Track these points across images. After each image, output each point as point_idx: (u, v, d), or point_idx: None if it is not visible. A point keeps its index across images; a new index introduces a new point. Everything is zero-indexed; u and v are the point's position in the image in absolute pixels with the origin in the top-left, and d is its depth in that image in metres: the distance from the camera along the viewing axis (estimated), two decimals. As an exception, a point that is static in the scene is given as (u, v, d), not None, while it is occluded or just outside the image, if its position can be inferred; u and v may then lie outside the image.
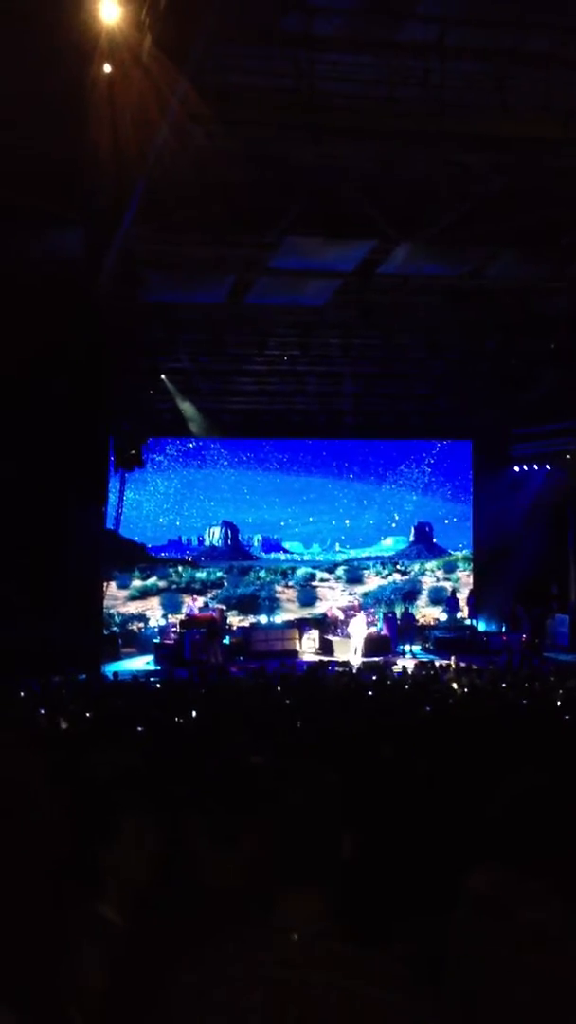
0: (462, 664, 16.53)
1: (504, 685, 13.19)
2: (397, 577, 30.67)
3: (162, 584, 28.56)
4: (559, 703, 10.65)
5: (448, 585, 29.73)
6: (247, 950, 1.93)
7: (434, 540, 32.69)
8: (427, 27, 9.64)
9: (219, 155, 9.87)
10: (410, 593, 29.59)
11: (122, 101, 8.80)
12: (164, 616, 25.96)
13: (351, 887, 2.31)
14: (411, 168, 11.49)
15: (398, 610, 26.43)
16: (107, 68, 8.50)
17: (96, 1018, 2.17)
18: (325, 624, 24.37)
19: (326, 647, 22.46)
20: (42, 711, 10.59)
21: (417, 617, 26.44)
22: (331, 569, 30.76)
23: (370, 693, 12.26)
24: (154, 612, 27.03)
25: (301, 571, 30.11)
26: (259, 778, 2.84)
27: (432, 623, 26.01)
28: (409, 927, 3.01)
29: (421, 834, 3.94)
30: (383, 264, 13.89)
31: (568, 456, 21.93)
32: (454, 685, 13.33)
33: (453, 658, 18.30)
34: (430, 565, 31.38)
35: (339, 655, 21.27)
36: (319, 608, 27.84)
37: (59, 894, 2.49)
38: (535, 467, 23.19)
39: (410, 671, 15.86)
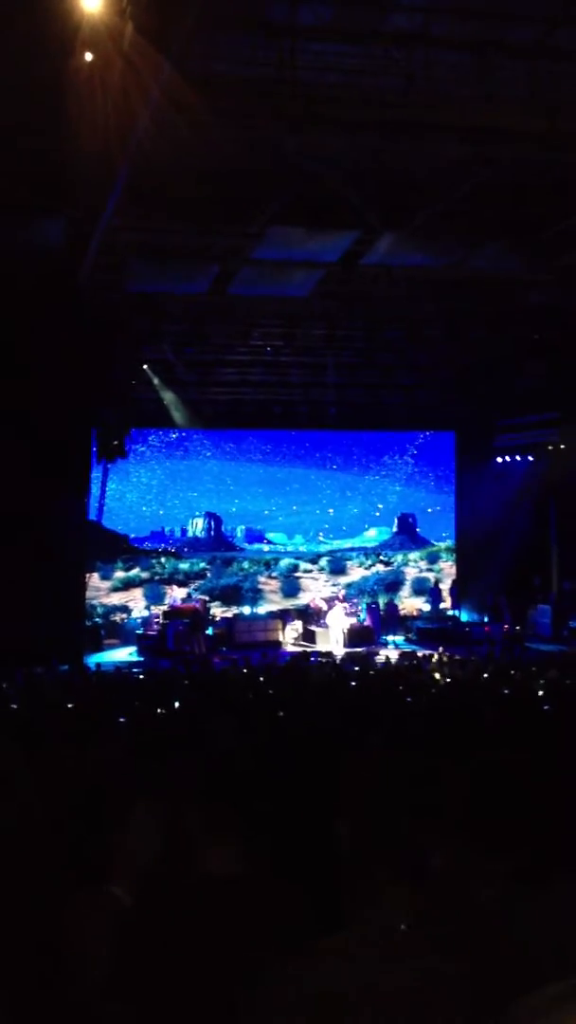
0: (444, 654, 16.59)
1: (486, 675, 13.24)
2: (380, 568, 30.72)
3: (145, 575, 28.51)
4: (540, 692, 10.69)
5: (431, 576, 29.80)
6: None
7: (417, 531, 32.76)
8: (412, 17, 9.61)
9: (202, 144, 9.83)
10: (393, 584, 29.65)
11: (104, 90, 8.74)
12: (147, 607, 25.93)
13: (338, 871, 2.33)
14: (395, 159, 11.48)
15: (381, 601, 26.48)
16: (88, 56, 8.44)
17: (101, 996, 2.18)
18: (308, 615, 24.39)
19: (309, 638, 22.49)
20: (24, 702, 10.56)
21: (400, 607, 26.50)
22: (314, 560, 30.78)
23: (352, 684, 12.29)
24: (137, 603, 26.99)
25: (284, 562, 30.12)
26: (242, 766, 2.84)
27: (415, 613, 26.08)
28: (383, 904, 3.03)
29: (405, 819, 3.94)
30: (367, 255, 13.88)
31: (550, 447, 22.00)
32: (436, 675, 13.37)
33: (439, 649, 18.36)
34: (413, 556, 31.45)
35: (322, 646, 21.31)
36: (302, 599, 27.86)
37: (52, 879, 2.50)
38: (518, 458, 23.25)
39: (393, 661, 15.90)
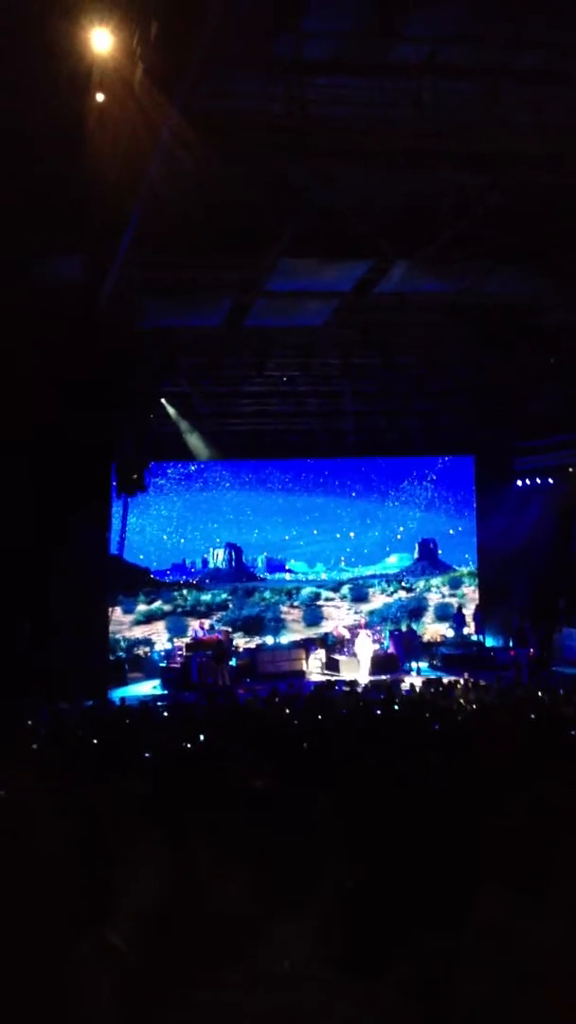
0: (470, 680, 16.47)
1: (513, 700, 13.13)
2: (402, 594, 30.58)
3: (167, 608, 28.48)
4: (569, 717, 10.59)
5: (454, 601, 29.63)
6: (238, 981, 1.91)
7: (439, 556, 32.62)
8: (418, 47, 9.69)
9: (212, 180, 9.92)
10: (416, 610, 29.49)
11: (116, 129, 8.84)
12: (170, 640, 25.89)
13: (351, 914, 2.29)
14: (406, 187, 11.55)
15: (404, 627, 26.36)
16: (100, 97, 8.55)
17: None
18: (331, 643, 24.29)
19: (333, 666, 22.38)
20: (50, 738, 10.56)
21: (423, 634, 26.36)
22: (336, 588, 30.67)
23: (378, 712, 12.21)
24: (160, 636, 26.95)
25: (306, 591, 30.03)
26: (259, 803, 2.82)
27: (439, 639, 25.93)
28: (414, 951, 2.98)
29: (429, 855, 3.90)
30: (381, 283, 13.93)
31: (571, 469, 21.93)
32: (462, 701, 13.28)
33: (464, 675, 18.23)
34: (435, 581, 31.29)
35: (346, 674, 21.20)
36: (325, 627, 27.75)
37: (68, 921, 2.48)
38: (538, 481, 23.17)
39: (418, 689, 15.80)
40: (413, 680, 18.82)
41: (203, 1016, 1.91)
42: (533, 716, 10.91)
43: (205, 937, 2.26)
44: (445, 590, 30.78)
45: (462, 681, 16.59)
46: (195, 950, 2.24)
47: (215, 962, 1.99)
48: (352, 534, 31.17)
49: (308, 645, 24.03)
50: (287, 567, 31.84)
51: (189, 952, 2.27)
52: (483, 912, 2.44)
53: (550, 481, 22.94)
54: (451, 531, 30.58)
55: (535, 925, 2.30)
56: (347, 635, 23.84)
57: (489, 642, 24.86)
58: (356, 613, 29.07)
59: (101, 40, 7.97)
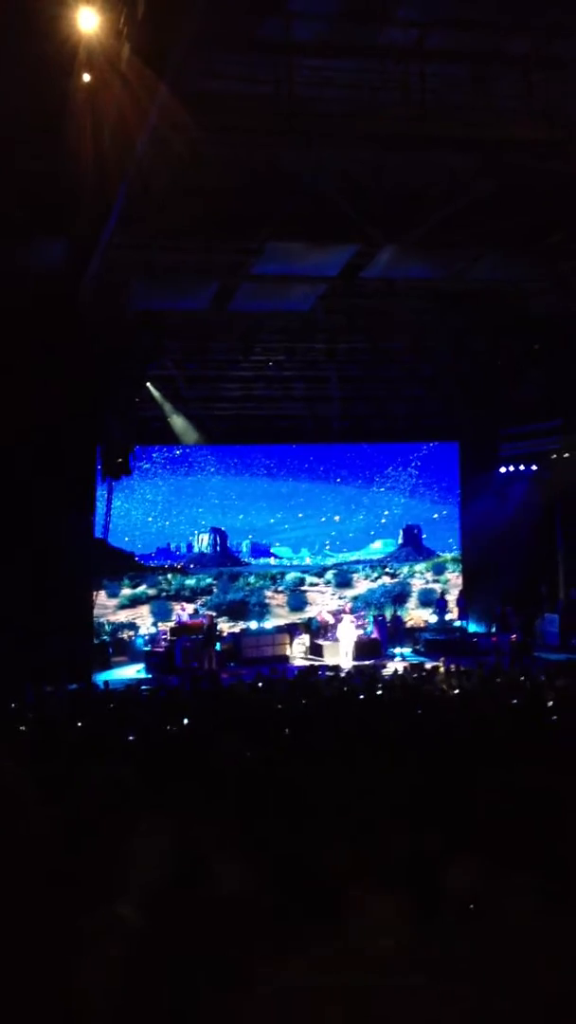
0: (452, 666, 16.53)
1: (495, 686, 13.19)
2: (386, 580, 30.62)
3: (152, 592, 28.43)
4: (550, 702, 10.65)
5: (437, 587, 29.70)
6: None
7: (423, 542, 32.67)
8: (407, 31, 9.66)
9: (200, 162, 9.87)
10: (400, 596, 29.54)
11: (102, 110, 8.78)
12: (154, 624, 25.87)
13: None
14: (394, 171, 11.51)
15: (388, 613, 26.40)
16: (86, 77, 8.48)
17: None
18: (315, 629, 24.33)
19: (316, 651, 22.42)
20: (34, 722, 10.55)
21: (407, 619, 26.40)
22: (320, 573, 30.68)
23: (361, 697, 12.25)
24: (144, 620, 26.91)
25: (290, 576, 30.03)
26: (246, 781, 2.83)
27: (422, 625, 25.99)
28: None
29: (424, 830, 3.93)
30: (367, 268, 13.91)
31: (554, 456, 21.98)
32: (444, 687, 13.33)
33: (443, 660, 18.30)
34: (419, 567, 31.34)
35: (330, 659, 21.25)
36: (309, 612, 27.78)
37: (57, 898, 2.49)
38: (522, 467, 23.23)
39: (400, 673, 15.85)
40: (396, 665, 18.88)
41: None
42: (515, 701, 10.97)
43: (218, 912, 2.27)
44: (429, 576, 30.85)
45: (444, 667, 16.64)
46: (210, 925, 2.25)
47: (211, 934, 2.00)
48: (337, 518, 31.21)
49: (292, 630, 24.05)
50: (272, 552, 31.86)
51: (203, 927, 2.28)
52: (455, 881, 2.46)
53: (533, 468, 22.99)
54: (435, 515, 30.65)
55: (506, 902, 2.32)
56: (331, 620, 23.87)
57: (472, 628, 24.95)
58: (340, 598, 29.12)
59: (87, 19, 7.91)
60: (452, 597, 27.13)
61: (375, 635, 23.06)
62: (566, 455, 21.58)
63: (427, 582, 30.56)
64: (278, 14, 9.23)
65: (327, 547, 31.83)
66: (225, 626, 25.59)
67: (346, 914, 2.13)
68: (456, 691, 12.74)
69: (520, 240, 13.56)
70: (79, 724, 9.97)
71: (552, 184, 11.79)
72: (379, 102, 9.68)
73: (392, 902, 2.16)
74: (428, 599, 28.84)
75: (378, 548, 32.53)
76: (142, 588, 28.47)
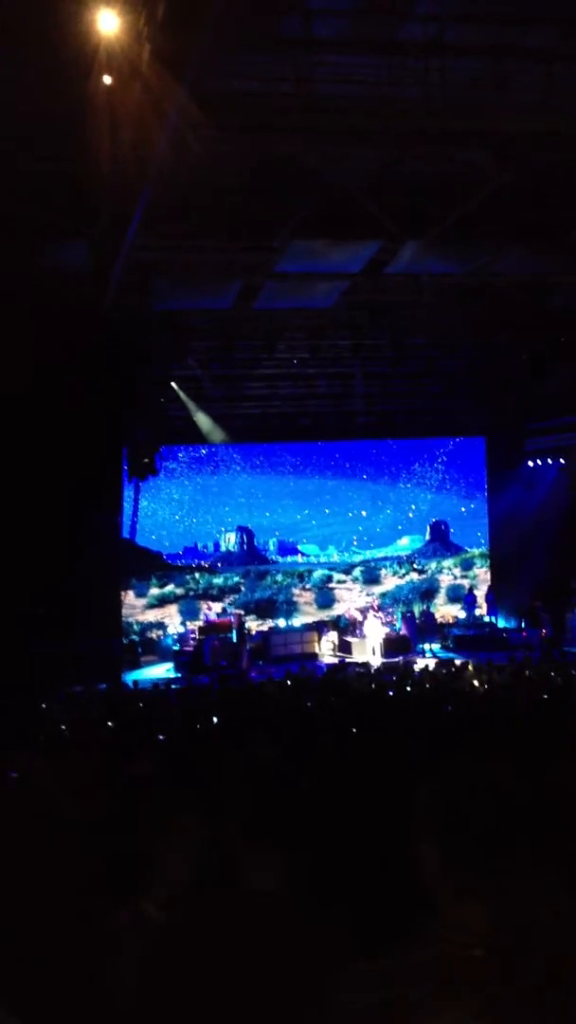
0: (482, 661, 16.49)
1: (525, 681, 13.15)
2: (414, 576, 30.60)
3: (179, 591, 28.57)
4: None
5: (466, 583, 29.65)
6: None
7: (450, 538, 32.60)
8: (426, 26, 9.62)
9: (221, 161, 9.88)
10: (428, 592, 29.52)
11: (123, 111, 8.81)
12: (183, 623, 25.99)
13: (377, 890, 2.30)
14: (415, 167, 11.48)
15: (416, 609, 26.37)
16: (107, 79, 8.51)
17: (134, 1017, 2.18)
18: (344, 626, 24.33)
19: (345, 648, 22.44)
20: (65, 722, 10.63)
21: (436, 615, 26.38)
22: (348, 570, 30.70)
23: (390, 693, 12.25)
24: (172, 619, 27.05)
25: (318, 573, 30.07)
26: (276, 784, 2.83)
27: (451, 621, 25.95)
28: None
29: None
30: (390, 264, 13.87)
31: (581, 449, 21.88)
32: (475, 682, 13.30)
33: (477, 656, 18.26)
34: (447, 563, 31.30)
35: (358, 656, 21.26)
36: (337, 610, 27.80)
37: (92, 900, 2.51)
38: (549, 461, 23.12)
39: (431, 670, 15.83)
40: (426, 661, 18.85)
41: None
42: (545, 696, 10.94)
43: (234, 915, 2.28)
44: (457, 571, 30.81)
45: (474, 662, 16.60)
46: (223, 929, 2.26)
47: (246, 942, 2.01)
48: (364, 513, 31.20)
49: (320, 627, 24.09)
50: (299, 550, 31.90)
51: (216, 931, 2.29)
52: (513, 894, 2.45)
53: (561, 461, 22.89)
54: (463, 509, 30.57)
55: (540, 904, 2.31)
56: (359, 617, 23.89)
57: (501, 623, 24.88)
58: (368, 595, 29.12)
59: (108, 21, 7.93)
60: (480, 592, 27.08)
61: (404, 631, 23.03)
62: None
63: (455, 578, 30.51)
64: (297, 12, 9.22)
65: (354, 544, 31.85)
66: (253, 624, 25.66)
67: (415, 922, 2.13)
68: (487, 687, 12.71)
69: (542, 234, 13.48)
70: (109, 724, 10.04)
71: (573, 178, 11.72)
72: (399, 98, 9.65)
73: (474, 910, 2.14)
74: (456, 595, 28.79)
75: (405, 544, 32.53)
76: (170, 588, 28.62)
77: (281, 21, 9.28)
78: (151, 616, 27.36)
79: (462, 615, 26.24)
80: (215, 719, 9.83)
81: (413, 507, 31.30)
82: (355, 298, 15.70)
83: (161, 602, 28.19)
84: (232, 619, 23.24)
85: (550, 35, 9.81)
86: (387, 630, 22.49)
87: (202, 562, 30.41)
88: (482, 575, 29.12)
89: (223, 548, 31.19)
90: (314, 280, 14.64)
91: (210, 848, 2.61)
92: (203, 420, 21.24)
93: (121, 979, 2.23)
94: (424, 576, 30.58)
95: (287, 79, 9.36)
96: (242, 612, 25.45)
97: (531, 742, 6.34)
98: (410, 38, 9.64)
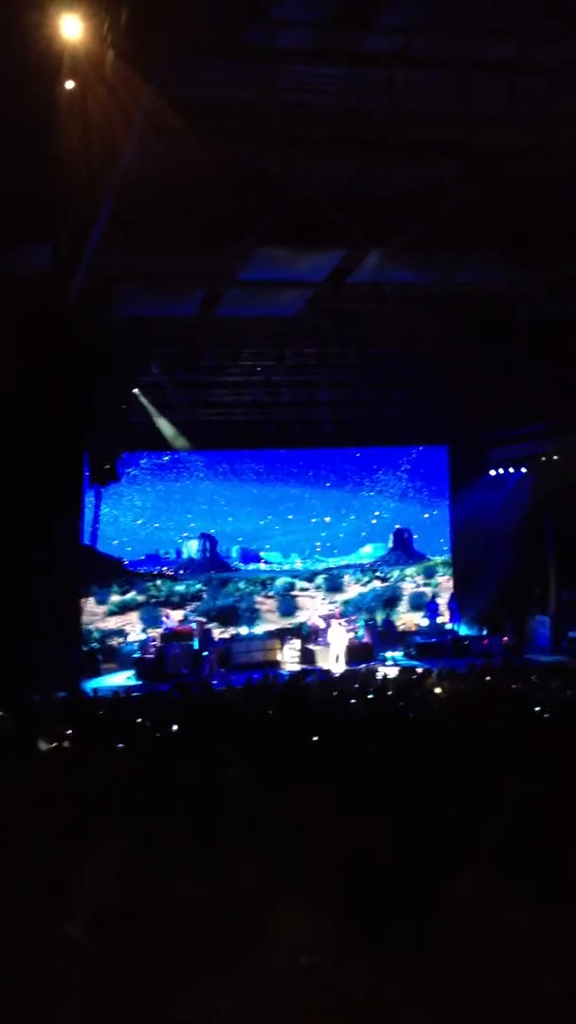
0: (444, 669, 16.53)
1: (486, 688, 13.20)
2: (377, 584, 30.63)
3: (141, 598, 28.37)
4: (539, 705, 10.67)
5: (428, 590, 29.72)
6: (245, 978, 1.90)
7: (413, 546, 32.71)
8: (391, 38, 9.68)
9: (186, 168, 9.87)
10: (390, 599, 29.56)
11: (87, 117, 8.77)
12: (144, 630, 25.82)
13: (347, 897, 2.29)
14: (379, 177, 11.54)
15: (379, 617, 26.41)
16: (70, 84, 8.47)
17: None
18: (306, 634, 24.32)
19: (308, 656, 22.41)
20: (23, 730, 10.51)
21: (398, 623, 26.44)
22: (310, 578, 30.68)
23: (352, 701, 12.25)
24: (134, 627, 26.86)
25: (280, 581, 30.02)
26: (234, 793, 2.81)
27: (413, 629, 26.01)
28: (401, 932, 3.00)
29: (411, 840, 3.92)
30: (354, 273, 13.92)
31: (543, 458, 22.04)
32: (436, 690, 13.33)
33: (439, 664, 18.31)
34: (410, 571, 31.36)
35: (321, 664, 21.25)
36: (300, 618, 27.77)
37: (36, 914, 2.47)
38: (511, 470, 23.28)
39: (392, 677, 15.85)
40: (388, 670, 18.88)
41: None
42: (507, 704, 10.99)
43: (182, 933, 2.25)
44: (419, 579, 30.87)
45: (436, 670, 16.65)
46: (170, 947, 2.23)
47: (196, 960, 1.99)
48: (327, 520, 31.23)
49: (283, 635, 24.06)
50: (262, 557, 31.84)
51: (163, 949, 2.26)
52: (460, 895, 2.46)
53: (523, 471, 23.06)
54: (426, 515, 30.68)
55: (512, 909, 2.32)
56: (322, 625, 23.88)
57: (463, 631, 24.98)
58: (331, 603, 29.11)
59: (71, 27, 7.89)
60: (443, 600, 27.17)
61: (366, 639, 23.06)
62: (555, 458, 21.64)
63: (418, 585, 30.58)
64: (263, 21, 9.23)
65: (317, 551, 31.83)
66: (216, 632, 25.57)
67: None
68: (448, 695, 12.74)
69: (507, 245, 13.59)
70: (68, 731, 9.94)
71: (538, 189, 11.83)
72: (364, 108, 9.70)
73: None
74: (419, 602, 28.85)
75: (368, 552, 32.54)
76: (131, 595, 28.42)
77: (246, 30, 9.29)
78: (112, 623, 27.16)
79: (425, 623, 26.31)
80: (175, 727, 9.77)
81: (377, 514, 31.37)
82: (320, 306, 15.74)
83: (122, 609, 27.99)
84: (194, 626, 23.15)
85: (513, 48, 9.90)
86: (350, 638, 22.51)
87: (164, 569, 30.26)
88: (444, 583, 29.22)
89: (185, 555, 31.05)
90: (278, 288, 14.65)
91: (144, 863, 2.59)
92: (166, 427, 21.16)
93: (52, 1000, 2.21)
94: (387, 584, 30.63)
95: (252, 88, 9.37)
96: (204, 619, 25.34)
97: (490, 750, 6.36)
98: (375, 49, 9.70)
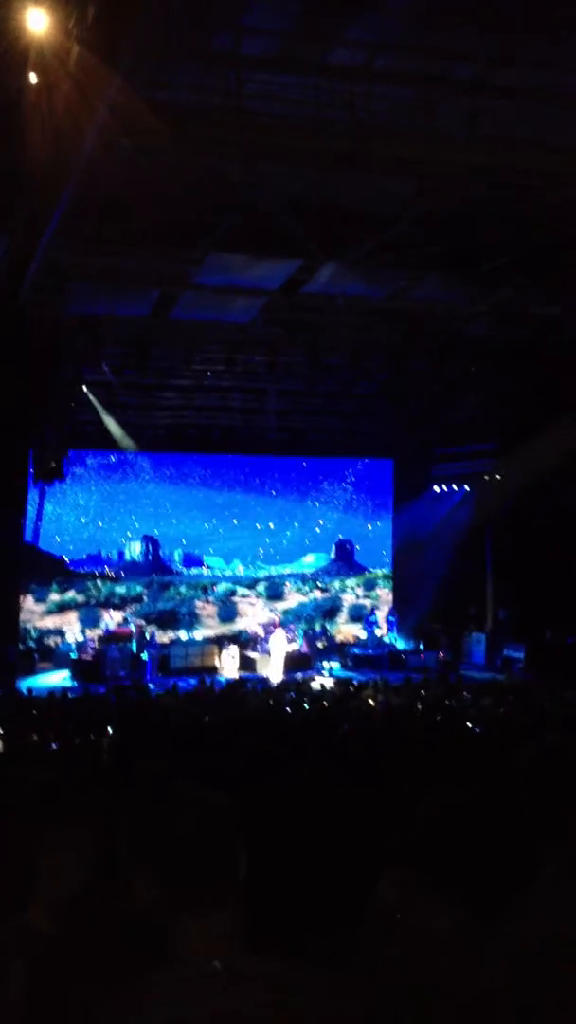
0: (380, 681, 16.63)
1: (420, 702, 13.29)
2: (317, 594, 30.75)
3: (80, 598, 28.17)
4: (471, 721, 10.77)
5: (368, 603, 29.91)
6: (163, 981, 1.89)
7: (355, 557, 32.88)
8: (355, 52, 9.75)
9: (146, 168, 9.84)
10: (330, 610, 29.69)
11: (49, 111, 8.71)
12: (82, 631, 25.62)
13: (258, 905, 2.30)
14: (338, 189, 11.60)
15: (318, 627, 26.51)
16: (33, 78, 8.41)
17: None
18: (245, 640, 24.31)
19: (246, 663, 22.40)
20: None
21: (337, 634, 26.54)
22: (252, 585, 30.71)
23: (288, 710, 12.27)
24: (72, 627, 26.64)
25: (222, 587, 30.00)
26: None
27: (352, 640, 26.13)
28: (322, 938, 3.02)
29: (334, 848, 3.94)
30: (309, 283, 13.98)
31: (486, 477, 22.29)
32: (371, 702, 13.39)
33: (375, 676, 18.41)
34: (350, 582, 31.53)
35: (260, 672, 21.24)
36: (239, 624, 27.77)
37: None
38: (454, 487, 23.51)
39: (329, 688, 15.91)
40: (324, 680, 18.93)
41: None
42: (439, 718, 11.08)
43: (125, 932, 2.24)
44: (359, 591, 31.05)
45: (371, 682, 16.73)
46: (115, 947, 2.22)
47: (137, 961, 1.97)
48: (272, 525, 31.28)
49: (222, 641, 24.02)
50: (204, 562, 31.78)
51: (109, 948, 2.25)
52: (382, 901, 2.47)
53: (466, 488, 23.29)
54: (369, 527, 30.87)
55: (432, 916, 2.34)
56: (261, 632, 23.89)
57: (400, 644, 25.14)
58: (271, 611, 29.14)
59: (37, 20, 7.84)
60: (382, 613, 27.34)
61: (305, 649, 23.12)
62: (497, 477, 21.89)
63: (358, 597, 30.75)
64: (230, 27, 9.25)
65: (260, 557, 31.85)
66: (157, 635, 25.44)
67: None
68: (382, 707, 12.81)
69: (460, 264, 13.75)
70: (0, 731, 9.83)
71: (493, 211, 11.98)
72: (324, 120, 9.75)
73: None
74: (358, 614, 29.01)
75: (310, 562, 32.68)
76: (71, 594, 28.20)
77: (213, 35, 9.30)
78: (50, 622, 26.91)
79: (363, 635, 26.45)
80: (110, 730, 9.70)
81: (320, 522, 31.50)
82: (272, 315, 15.77)
83: (61, 608, 27.75)
84: (133, 629, 23.00)
85: (476, 69, 10.03)
86: (289, 647, 22.54)
87: (106, 569, 30.06)
88: (384, 596, 29.42)
89: (128, 557, 30.89)
90: (232, 294, 14.66)
91: (99, 860, 2.57)
92: (114, 427, 21.03)
93: (5, 992, 2.18)
94: (327, 594, 30.75)
95: (216, 92, 9.38)
96: (143, 622, 25.22)
97: (423, 762, 6.41)
98: (339, 62, 9.76)
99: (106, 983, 1.96)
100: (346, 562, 32.62)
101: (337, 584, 31.44)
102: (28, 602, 25.13)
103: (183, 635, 26.63)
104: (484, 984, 2.15)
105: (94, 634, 23.34)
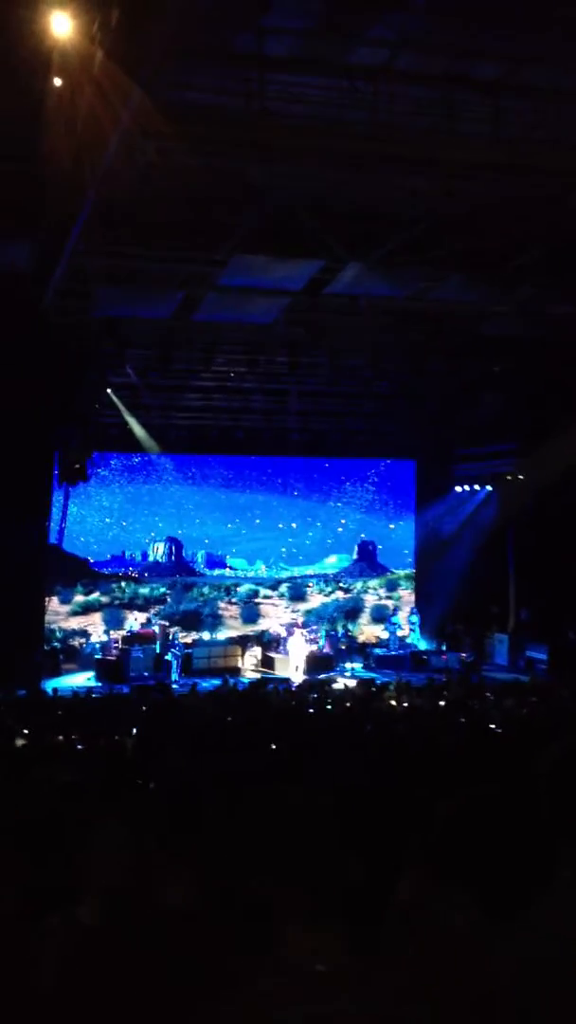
0: (402, 682, 16.61)
1: (443, 703, 13.27)
2: (340, 595, 30.69)
3: (105, 599, 28.25)
4: (494, 722, 10.74)
5: (390, 603, 29.83)
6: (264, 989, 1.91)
7: (377, 558, 32.81)
8: (377, 51, 9.75)
9: (169, 171, 9.88)
10: (352, 611, 29.62)
11: (73, 115, 8.77)
12: (106, 632, 25.69)
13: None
14: (360, 190, 11.60)
15: (340, 628, 26.47)
16: (57, 82, 8.47)
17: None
18: (268, 641, 24.32)
19: (268, 664, 22.41)
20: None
21: (359, 635, 26.49)
22: (274, 586, 30.68)
23: (311, 711, 12.28)
24: (96, 628, 26.72)
25: (244, 588, 30.00)
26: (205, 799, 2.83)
27: (374, 641, 26.08)
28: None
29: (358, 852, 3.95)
30: (331, 284, 13.99)
31: (508, 477, 22.21)
32: (393, 703, 13.39)
33: (397, 677, 18.38)
34: (372, 583, 31.45)
35: (281, 672, 21.25)
36: (262, 625, 27.76)
37: (17, 904, 2.47)
38: (476, 487, 23.45)
39: (350, 689, 15.90)
40: (347, 681, 18.92)
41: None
42: (462, 720, 11.06)
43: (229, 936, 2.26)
44: (382, 592, 30.97)
45: (394, 683, 16.72)
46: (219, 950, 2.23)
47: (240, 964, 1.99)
48: (294, 525, 31.25)
49: (244, 642, 24.04)
50: (227, 563, 31.81)
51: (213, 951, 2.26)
52: (403, 896, 2.48)
53: (488, 488, 23.22)
54: (391, 526, 30.78)
55: (448, 916, 2.35)
56: (284, 633, 23.88)
57: (423, 645, 25.08)
58: (293, 612, 29.13)
59: (61, 24, 7.90)
60: (404, 614, 27.25)
61: (327, 650, 23.09)
62: (520, 477, 21.80)
63: (380, 598, 30.67)
64: (252, 28, 9.27)
65: (282, 559, 31.85)
66: (179, 637, 25.50)
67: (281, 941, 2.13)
68: (405, 707, 12.81)
69: (483, 264, 13.72)
70: (25, 731, 9.90)
71: (515, 210, 11.95)
72: (347, 120, 9.75)
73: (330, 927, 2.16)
74: (380, 615, 28.93)
75: (333, 563, 32.61)
76: (95, 595, 28.29)
77: (235, 36, 9.33)
78: (74, 623, 27.00)
79: (385, 635, 26.39)
80: (135, 730, 9.75)
81: (343, 522, 31.44)
82: (295, 316, 15.80)
83: (85, 610, 27.85)
84: (156, 630, 23.07)
85: (500, 69, 10.01)
86: (311, 647, 22.53)
87: (129, 570, 30.15)
88: (406, 596, 29.33)
89: (151, 558, 30.95)
90: (255, 295, 14.69)
91: (134, 857, 2.60)
92: (138, 428, 21.11)
93: (44, 982, 2.21)
94: (349, 595, 30.70)
95: (239, 94, 9.40)
96: (167, 623, 25.27)
97: (447, 763, 6.41)
98: (361, 62, 9.76)
99: (208, 985, 1.98)
100: (368, 563, 32.54)
101: (359, 585, 31.38)
102: (53, 603, 25.24)
103: (206, 636, 26.67)
104: (498, 984, 2.15)
105: (118, 635, 23.41)
